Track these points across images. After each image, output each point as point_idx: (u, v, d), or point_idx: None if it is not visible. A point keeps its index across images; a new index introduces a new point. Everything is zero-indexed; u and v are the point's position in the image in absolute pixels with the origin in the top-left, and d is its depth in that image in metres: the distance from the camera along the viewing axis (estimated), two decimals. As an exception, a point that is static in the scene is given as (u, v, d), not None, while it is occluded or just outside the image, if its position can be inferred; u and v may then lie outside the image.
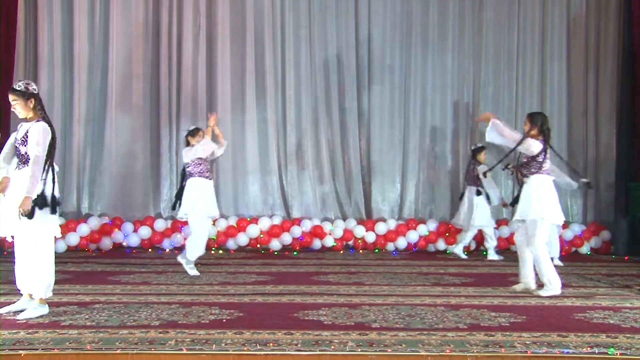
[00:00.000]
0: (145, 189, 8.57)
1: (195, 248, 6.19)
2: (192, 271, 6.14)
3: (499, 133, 5.29)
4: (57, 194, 4.30)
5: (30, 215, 4.10)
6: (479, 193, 7.59)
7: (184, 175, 6.34)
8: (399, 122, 8.92)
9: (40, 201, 4.17)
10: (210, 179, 6.30)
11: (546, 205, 5.25)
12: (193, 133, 6.32)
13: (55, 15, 8.35)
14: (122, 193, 8.48)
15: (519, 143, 5.23)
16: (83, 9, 8.41)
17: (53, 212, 4.24)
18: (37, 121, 4.28)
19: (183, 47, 8.54)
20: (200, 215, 6.18)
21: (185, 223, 8.13)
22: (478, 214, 7.57)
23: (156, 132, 8.54)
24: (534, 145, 5.23)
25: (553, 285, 5.22)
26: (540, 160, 5.24)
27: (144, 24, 8.58)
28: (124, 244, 8.11)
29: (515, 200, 7.18)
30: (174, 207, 6.50)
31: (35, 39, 8.29)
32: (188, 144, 6.34)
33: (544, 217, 5.22)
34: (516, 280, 5.58)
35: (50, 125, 4.32)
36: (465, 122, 8.90)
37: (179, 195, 6.34)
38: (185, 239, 7.56)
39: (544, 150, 5.24)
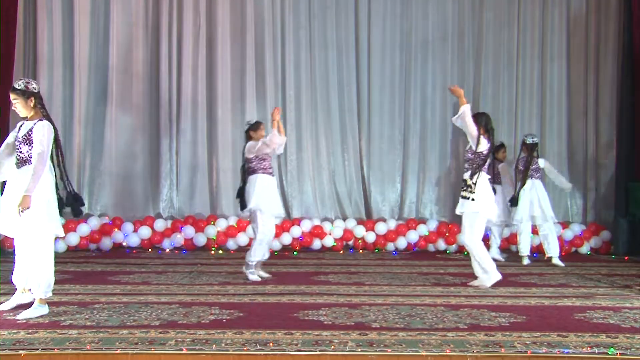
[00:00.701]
0: (145, 189, 8.57)
1: (260, 249, 5.85)
2: (253, 276, 5.82)
3: (463, 119, 5.46)
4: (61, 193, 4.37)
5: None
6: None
7: (244, 172, 5.95)
8: (399, 122, 8.92)
9: (69, 201, 4.34)
10: (274, 176, 5.97)
11: (482, 201, 5.47)
12: (255, 127, 5.91)
13: (55, 15, 8.35)
14: (122, 193, 8.49)
15: (477, 142, 5.46)
16: (83, 9, 8.41)
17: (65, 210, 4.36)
18: (40, 120, 4.29)
19: (183, 47, 8.54)
20: (267, 213, 5.81)
21: (177, 223, 8.17)
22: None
23: (156, 132, 8.54)
24: (482, 144, 5.49)
25: (490, 272, 5.50)
26: (484, 158, 5.49)
27: (144, 24, 8.58)
28: (124, 244, 8.11)
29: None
30: (242, 208, 5.93)
31: (35, 38, 8.28)
32: (250, 138, 5.91)
33: (478, 211, 5.45)
34: (516, 281, 5.59)
35: (53, 124, 4.34)
36: (465, 122, 8.89)
37: (241, 193, 5.89)
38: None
39: (489, 149, 5.51)
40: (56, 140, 4.34)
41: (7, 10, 7.85)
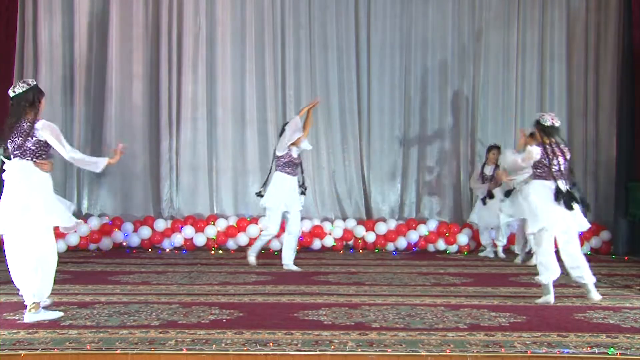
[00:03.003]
0: (145, 189, 8.56)
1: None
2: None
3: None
4: None
5: None
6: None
7: None
8: (399, 122, 8.92)
9: None
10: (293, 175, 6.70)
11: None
12: None
13: (55, 15, 8.34)
14: (122, 193, 8.48)
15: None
16: (83, 9, 8.40)
17: None
18: None
19: (183, 47, 8.53)
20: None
21: (182, 221, 8.16)
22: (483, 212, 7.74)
23: (156, 132, 8.53)
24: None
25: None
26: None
27: (144, 24, 8.57)
28: (124, 244, 8.11)
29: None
30: None
31: (35, 38, 8.28)
32: None
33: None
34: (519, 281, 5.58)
35: (8, 126, 4.25)
36: (465, 122, 8.89)
37: None
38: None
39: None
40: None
41: (7, 9, 7.85)
